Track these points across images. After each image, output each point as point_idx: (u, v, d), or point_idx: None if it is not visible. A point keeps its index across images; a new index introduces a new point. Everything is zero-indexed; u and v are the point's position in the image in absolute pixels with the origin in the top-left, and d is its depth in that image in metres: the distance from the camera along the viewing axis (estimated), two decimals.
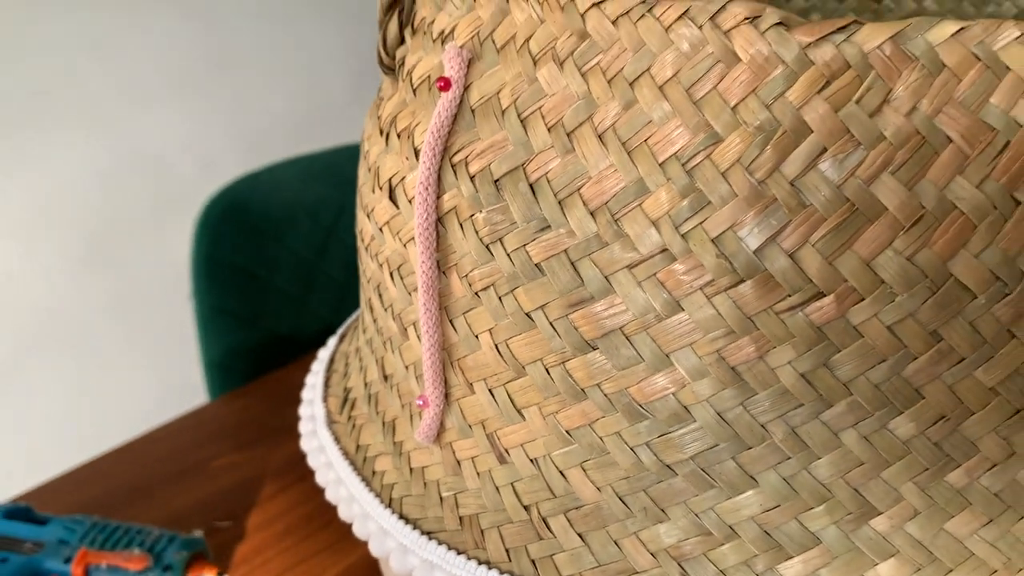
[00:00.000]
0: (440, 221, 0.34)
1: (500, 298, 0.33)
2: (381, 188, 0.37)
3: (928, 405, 0.29)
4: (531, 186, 0.32)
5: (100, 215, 1.46)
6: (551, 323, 0.32)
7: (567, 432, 0.33)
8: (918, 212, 0.28)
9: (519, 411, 0.34)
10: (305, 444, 0.45)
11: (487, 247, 0.33)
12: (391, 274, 0.38)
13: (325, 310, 1.06)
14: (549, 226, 0.31)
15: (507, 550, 0.35)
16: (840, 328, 0.29)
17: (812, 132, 0.28)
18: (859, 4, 0.62)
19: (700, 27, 0.29)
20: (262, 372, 0.93)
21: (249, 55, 1.60)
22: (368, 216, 0.39)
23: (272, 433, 0.79)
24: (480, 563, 0.35)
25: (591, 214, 0.31)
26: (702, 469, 0.31)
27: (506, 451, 0.35)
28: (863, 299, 0.29)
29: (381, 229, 0.38)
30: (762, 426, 0.30)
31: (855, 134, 0.28)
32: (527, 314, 0.32)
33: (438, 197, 0.34)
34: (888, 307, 0.29)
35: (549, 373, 0.33)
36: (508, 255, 0.32)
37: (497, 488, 0.35)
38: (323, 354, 0.52)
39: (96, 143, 1.43)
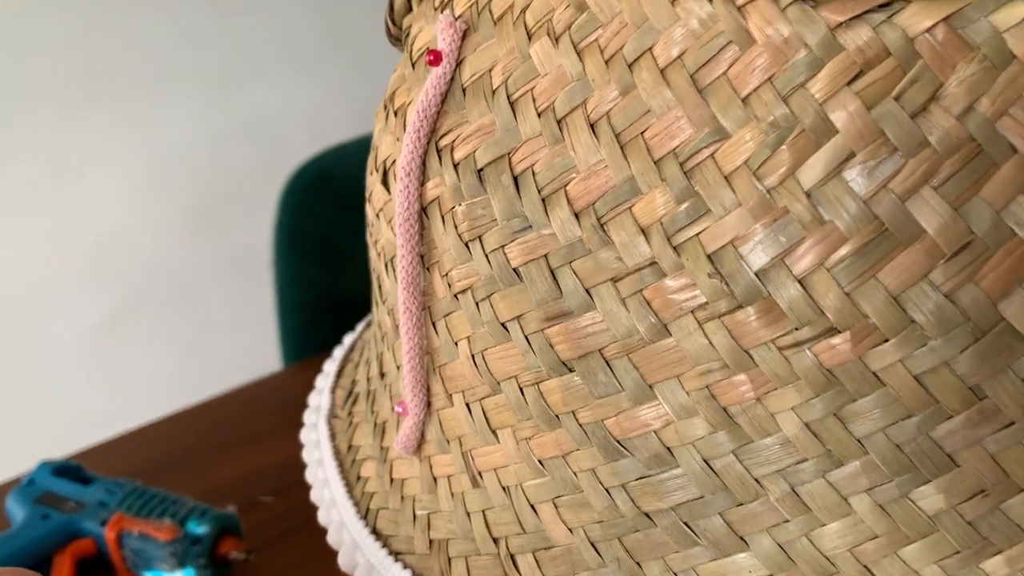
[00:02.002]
0: (424, 211, 0.31)
1: (477, 303, 0.29)
2: (377, 170, 0.34)
3: (963, 475, 0.24)
4: (515, 179, 0.28)
5: (210, 180, 1.49)
6: (526, 337, 0.28)
7: (540, 462, 0.29)
8: (965, 238, 0.23)
9: (493, 432, 0.30)
10: (304, 436, 0.42)
11: (466, 245, 0.29)
12: (385, 265, 0.35)
13: None
14: (530, 226, 0.27)
15: None
16: (856, 373, 0.24)
17: (838, 133, 0.23)
18: None
19: (711, 0, 0.24)
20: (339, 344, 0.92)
21: (365, 30, 1.59)
22: (368, 200, 0.36)
23: None
24: None
25: (575, 215, 0.26)
26: (684, 523, 0.26)
27: (479, 474, 0.31)
28: (886, 340, 0.23)
29: (377, 215, 0.35)
30: (756, 480, 0.25)
31: (891, 138, 0.23)
32: (503, 324, 0.29)
33: (422, 184, 0.31)
34: (918, 352, 0.23)
35: (523, 393, 0.29)
36: (486, 256, 0.28)
37: (468, 514, 0.31)
38: (349, 338, 0.50)
39: (210, 109, 1.46)
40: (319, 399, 0.44)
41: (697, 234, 0.25)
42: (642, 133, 0.25)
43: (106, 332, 1.43)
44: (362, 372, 0.42)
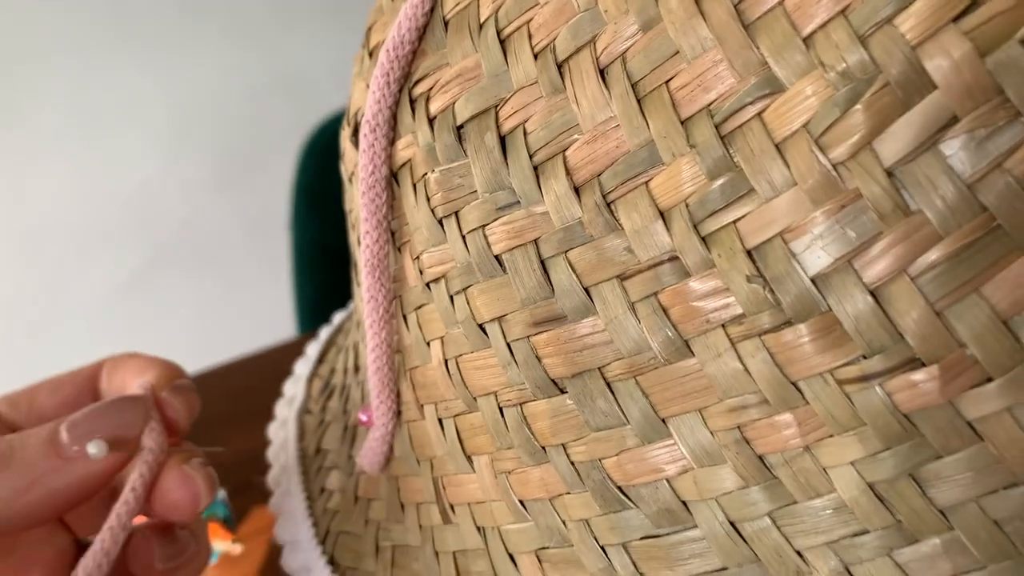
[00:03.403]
0: (395, 176, 0.25)
1: (451, 297, 0.23)
2: (348, 124, 0.28)
3: None
4: (501, 139, 0.21)
5: (241, 133, 1.44)
6: (508, 344, 0.22)
7: (521, 503, 0.23)
8: None
9: (468, 458, 0.24)
10: (272, 432, 0.37)
11: (439, 222, 0.23)
12: (358, 239, 0.29)
13: None
14: (518, 201, 0.21)
15: None
16: (944, 421, 0.17)
17: (936, 89, 0.16)
18: None
19: None
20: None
21: None
22: (341, 161, 0.30)
23: None
24: None
25: (575, 190, 0.20)
26: None
27: (451, 507, 0.25)
28: (989, 380, 0.17)
29: (349, 180, 0.29)
30: (799, 553, 0.19)
31: (1013, 98, 0.16)
32: (480, 326, 0.22)
33: (391, 142, 0.24)
34: None
35: (503, 415, 0.22)
36: (463, 237, 0.22)
37: (436, 554, 0.26)
38: (339, 316, 0.44)
39: (242, 60, 1.41)
40: (294, 388, 0.39)
41: (734, 221, 0.18)
42: (667, 83, 0.19)
43: (131, 289, 1.40)
44: (340, 361, 0.36)
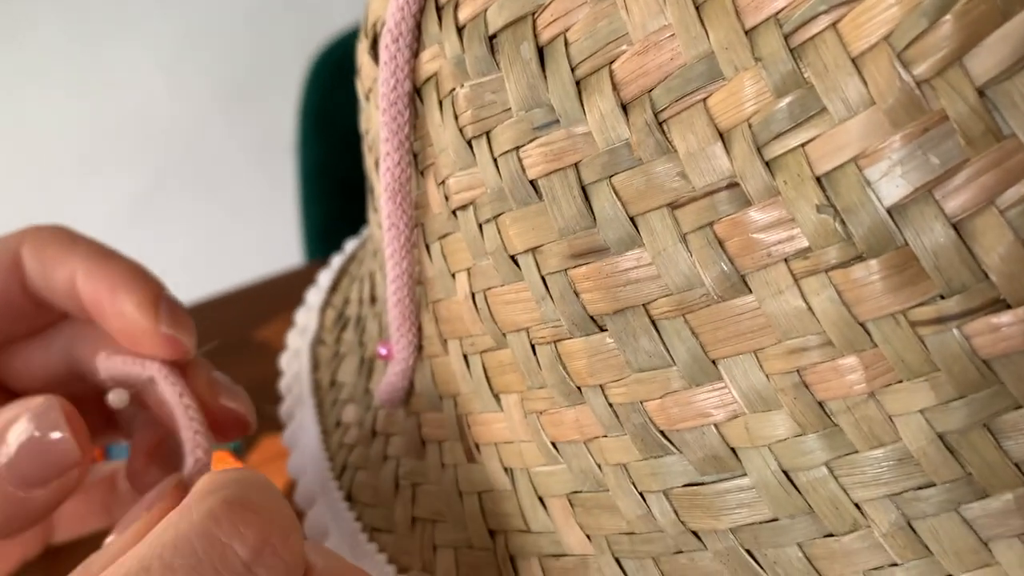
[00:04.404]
0: (418, 93, 0.23)
1: (480, 225, 0.21)
2: (366, 36, 0.26)
3: None
4: (539, 51, 0.19)
5: (246, 52, 1.41)
6: (543, 278, 0.20)
7: (553, 445, 0.21)
8: None
9: (496, 396, 0.23)
10: (284, 362, 0.35)
11: (468, 143, 0.21)
12: (376, 163, 0.27)
13: None
14: (557, 120, 0.19)
15: None
16: None
17: None
18: None
19: None
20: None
21: None
22: (358, 77, 0.28)
23: None
24: None
25: (622, 108, 0.18)
26: (747, 551, 0.19)
27: (476, 447, 0.24)
28: None
29: (367, 97, 0.27)
30: (857, 505, 0.18)
31: None
32: (512, 257, 0.21)
33: (415, 54, 0.22)
34: None
35: (535, 353, 0.21)
36: (495, 160, 0.20)
37: (461, 494, 0.24)
38: (351, 244, 0.42)
39: None
40: (307, 318, 0.37)
41: (803, 144, 0.16)
42: None
43: (132, 215, 1.38)
44: (355, 291, 0.35)
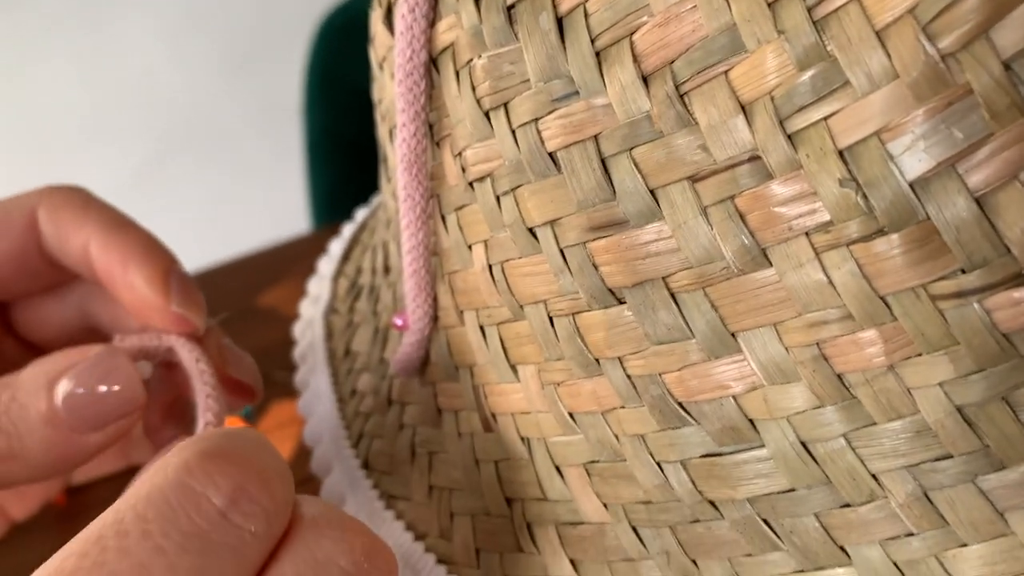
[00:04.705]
0: (434, 63, 0.23)
1: (498, 197, 0.21)
2: (380, 4, 0.26)
3: None
4: (559, 21, 0.19)
5: (253, 18, 1.39)
6: (562, 250, 0.20)
7: (570, 416, 0.22)
8: None
9: (513, 367, 0.23)
10: (298, 332, 0.36)
11: (486, 115, 0.21)
12: (389, 132, 0.27)
13: None
14: (577, 92, 0.19)
15: (477, 551, 0.24)
16: None
17: None
18: None
19: None
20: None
21: None
22: (371, 45, 0.28)
23: None
24: (440, 560, 0.25)
25: (643, 79, 0.18)
26: (764, 520, 0.19)
27: (493, 416, 0.24)
28: None
29: (380, 66, 0.27)
30: (874, 476, 0.18)
31: None
32: (531, 230, 0.21)
33: (431, 24, 0.22)
34: None
35: (552, 324, 0.21)
36: (513, 132, 0.20)
37: (477, 462, 0.25)
38: (362, 212, 0.42)
39: None
40: (319, 287, 0.37)
41: (825, 118, 0.16)
42: None
43: (136, 182, 1.37)
44: (368, 261, 0.35)
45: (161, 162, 1.39)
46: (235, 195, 1.45)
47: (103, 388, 0.22)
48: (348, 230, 0.40)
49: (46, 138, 1.33)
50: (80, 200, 0.26)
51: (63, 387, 0.22)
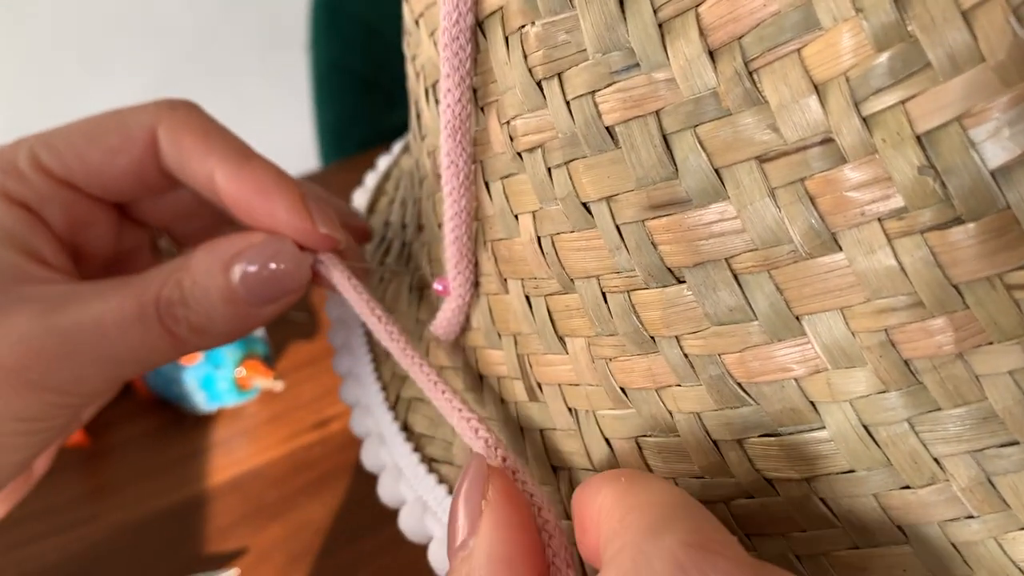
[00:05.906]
0: (481, 26, 0.22)
1: (550, 170, 0.21)
2: None
3: None
4: None
5: None
6: (618, 227, 0.20)
7: (622, 390, 0.21)
8: None
9: (561, 339, 0.23)
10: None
11: (538, 84, 0.20)
12: (426, 91, 0.26)
13: None
14: (637, 64, 0.19)
15: None
16: None
17: None
18: None
19: None
20: (382, 141, 0.84)
21: None
22: (406, 1, 0.27)
23: None
24: None
25: (709, 54, 0.18)
26: (821, 499, 0.19)
27: (539, 386, 0.24)
28: None
29: (416, 22, 0.26)
30: (936, 460, 0.18)
31: None
32: (584, 205, 0.20)
33: None
34: None
35: (606, 300, 0.21)
36: (567, 104, 0.20)
37: (521, 430, 0.25)
38: (384, 161, 0.42)
39: None
40: None
41: (903, 101, 0.16)
42: None
43: None
44: (396, 214, 0.34)
45: (162, 94, 1.37)
46: (240, 130, 1.42)
47: (273, 266, 0.26)
48: (371, 179, 0.40)
49: (45, 69, 1.30)
50: (200, 126, 0.28)
51: (239, 268, 0.25)
